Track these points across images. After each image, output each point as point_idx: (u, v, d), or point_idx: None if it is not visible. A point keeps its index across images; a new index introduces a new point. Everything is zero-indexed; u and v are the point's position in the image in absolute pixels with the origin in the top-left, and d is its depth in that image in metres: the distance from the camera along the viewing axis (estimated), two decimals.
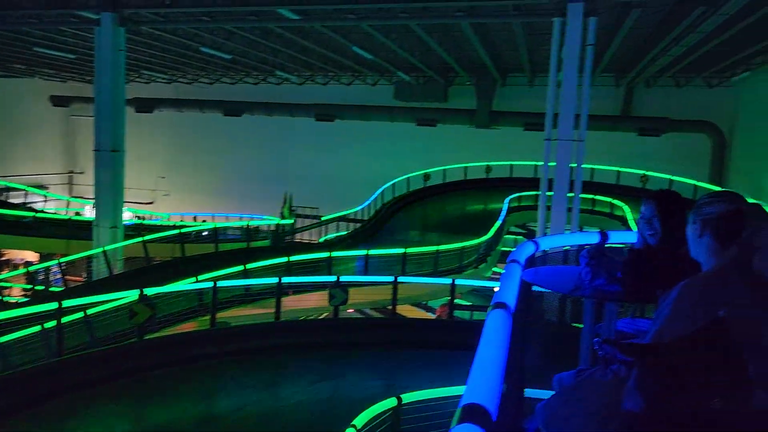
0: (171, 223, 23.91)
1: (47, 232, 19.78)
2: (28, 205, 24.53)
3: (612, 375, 1.84)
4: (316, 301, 13.01)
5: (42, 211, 23.70)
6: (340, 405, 8.73)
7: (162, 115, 33.60)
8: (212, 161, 34.71)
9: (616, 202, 21.72)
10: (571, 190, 13.46)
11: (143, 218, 26.66)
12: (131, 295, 9.68)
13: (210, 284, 10.73)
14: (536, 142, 16.47)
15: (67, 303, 9.08)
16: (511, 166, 25.17)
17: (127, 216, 23.97)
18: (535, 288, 3.45)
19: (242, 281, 12.47)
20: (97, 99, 15.90)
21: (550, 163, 13.48)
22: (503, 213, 20.70)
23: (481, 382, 1.45)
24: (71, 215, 23.94)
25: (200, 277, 12.19)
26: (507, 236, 22.86)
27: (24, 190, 25.92)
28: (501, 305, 2.04)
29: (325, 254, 14.85)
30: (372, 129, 30.70)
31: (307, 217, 24.88)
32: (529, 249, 3.44)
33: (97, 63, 15.78)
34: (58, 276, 15.78)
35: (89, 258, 15.83)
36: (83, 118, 33.96)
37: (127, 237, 16.56)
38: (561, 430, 1.94)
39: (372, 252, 15.74)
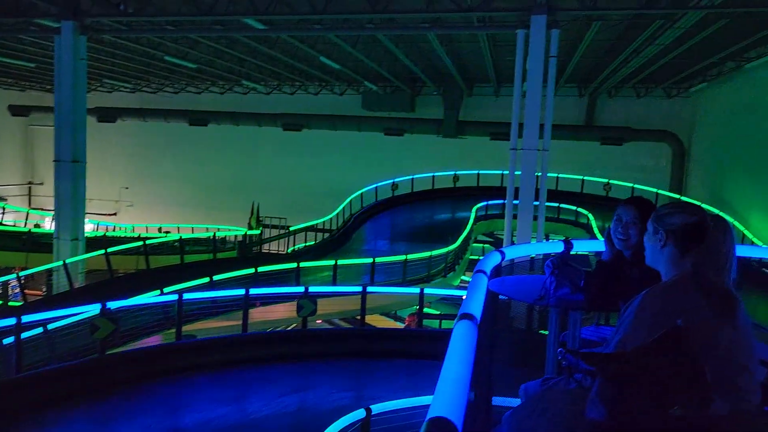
0: (135, 235, 23.46)
1: (5, 244, 19.25)
2: None
3: (576, 384, 1.87)
4: (285, 312, 12.89)
5: (0, 223, 23.00)
6: (308, 417, 8.64)
7: (126, 125, 33.03)
8: (178, 171, 34.22)
9: (580, 210, 22.12)
10: (536, 199, 13.65)
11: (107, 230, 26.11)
12: (93, 308, 9.45)
13: (175, 297, 10.54)
14: (502, 152, 16.67)
15: (26, 318, 8.82)
16: (478, 175, 25.44)
17: (89, 228, 23.46)
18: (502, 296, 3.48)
19: (209, 293, 12.29)
20: (58, 108, 15.55)
21: (516, 172, 13.66)
22: (471, 222, 20.87)
23: (447, 395, 1.45)
24: (30, 227, 23.29)
25: (165, 290, 11.97)
26: (475, 245, 23.06)
27: None
28: (467, 316, 2.05)
29: (293, 265, 14.75)
30: (340, 139, 30.70)
31: (275, 227, 24.70)
32: (495, 259, 3.47)
33: (58, 72, 15.44)
34: (17, 290, 15.32)
35: (49, 271, 15.41)
36: (43, 127, 33.18)
37: (89, 249, 16.18)
38: None
39: (340, 262, 15.70)
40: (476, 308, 2.33)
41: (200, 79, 29.06)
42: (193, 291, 12.10)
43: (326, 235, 22.83)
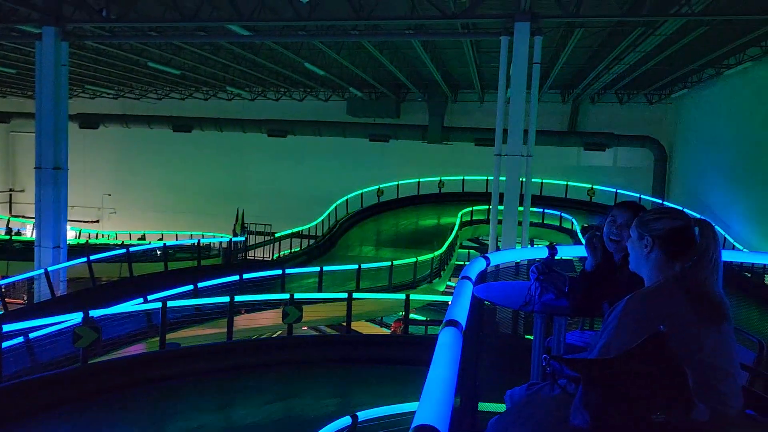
0: (118, 242, 23.23)
1: None
2: None
3: (560, 390, 1.87)
4: (270, 319, 12.82)
5: None
6: (294, 425, 8.59)
7: (108, 131, 32.74)
8: (161, 178, 33.96)
9: (564, 215, 22.27)
10: (521, 204, 13.73)
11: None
12: (75, 317, 9.33)
13: (159, 304, 10.44)
14: (487, 157, 16.77)
15: (7, 327, 8.69)
16: (464, 180, 25.54)
17: (71, 235, 23.20)
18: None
19: (193, 301, 12.18)
20: (39, 115, 15.37)
21: (501, 178, 13.72)
22: (456, 227, 20.93)
23: (432, 403, 1.45)
24: (11, 235, 22.97)
25: (149, 297, 11.85)
26: (460, 250, 23.12)
27: None
28: (452, 323, 2.06)
29: (278, 271, 14.67)
30: (325, 145, 30.67)
31: (260, 233, 24.58)
32: (480, 265, 3.48)
33: (39, 78, 15.27)
34: None
35: (30, 279, 15.19)
36: (24, 134, 32.81)
37: (71, 257, 15.99)
38: None
39: (326, 268, 15.66)
40: (461, 315, 2.34)
41: (184, 85, 28.92)
42: (178, 299, 11.99)
43: (312, 241, 22.76)
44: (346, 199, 24.82)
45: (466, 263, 3.60)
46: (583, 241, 3.00)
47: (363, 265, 16.04)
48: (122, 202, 34.57)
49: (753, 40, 16.48)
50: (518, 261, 6.23)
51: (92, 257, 14.92)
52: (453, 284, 20.62)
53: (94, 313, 9.43)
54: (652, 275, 1.96)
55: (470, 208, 22.80)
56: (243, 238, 21.72)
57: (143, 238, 27.64)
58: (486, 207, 19.73)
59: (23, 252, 17.52)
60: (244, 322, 12.69)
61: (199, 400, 9.17)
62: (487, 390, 3.54)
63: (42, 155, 15.31)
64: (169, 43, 19.32)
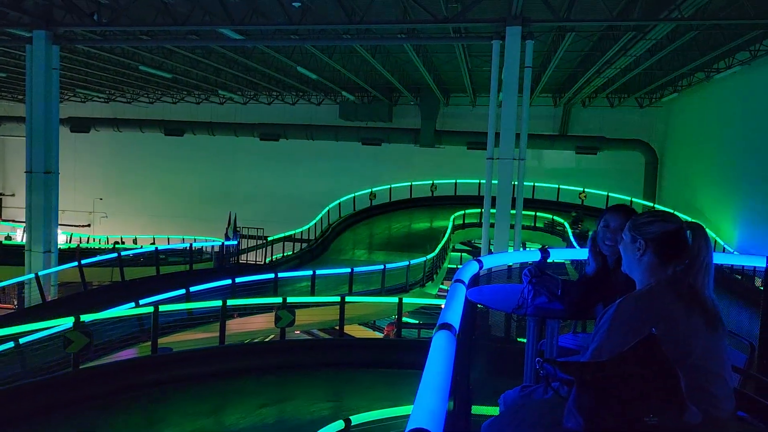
0: (109, 246, 23.10)
1: None
2: None
3: (552, 393, 1.88)
4: (263, 323, 12.77)
5: None
6: (287, 429, 8.56)
7: (100, 135, 32.61)
8: (153, 182, 33.82)
9: (556, 218, 22.35)
10: (513, 208, 13.76)
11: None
12: (66, 322, 9.27)
13: (151, 309, 10.39)
14: (479, 161, 16.81)
15: None
16: (456, 183, 25.59)
17: (62, 239, 23.05)
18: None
19: (185, 305, 12.13)
20: (29, 119, 15.29)
21: (493, 181, 13.76)
22: (448, 231, 20.96)
23: (426, 407, 1.46)
24: (1, 239, 22.81)
25: (141, 302, 11.79)
26: (453, 253, 23.15)
27: None
28: (446, 326, 2.06)
29: (270, 275, 14.64)
30: (317, 148, 30.67)
31: (252, 237, 24.50)
32: (473, 268, 3.49)
33: (29, 82, 15.20)
34: None
35: (20, 284, 15.08)
36: (14, 138, 32.59)
37: (62, 261, 15.89)
38: None
39: (319, 272, 15.63)
40: (455, 318, 2.34)
41: (176, 89, 28.83)
42: (169, 303, 11.93)
43: (304, 245, 22.73)
44: (339, 203, 24.81)
45: (459, 266, 3.60)
46: (574, 241, 3.01)
47: (356, 269, 16.03)
48: (114, 206, 34.40)
49: (742, 44, 16.64)
50: (511, 264, 6.25)
51: (83, 261, 14.84)
52: (445, 288, 20.66)
53: (86, 317, 9.38)
54: (644, 278, 1.97)
55: (462, 212, 22.84)
56: (235, 242, 21.65)
57: (135, 242, 27.50)
58: (478, 210, 19.78)
59: (14, 256, 17.36)
60: (236, 326, 12.64)
61: (191, 405, 9.12)
62: (481, 393, 3.54)
63: (33, 159, 15.23)
64: (160, 46, 19.27)
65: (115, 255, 16.21)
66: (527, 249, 17.64)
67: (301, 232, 23.63)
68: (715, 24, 14.27)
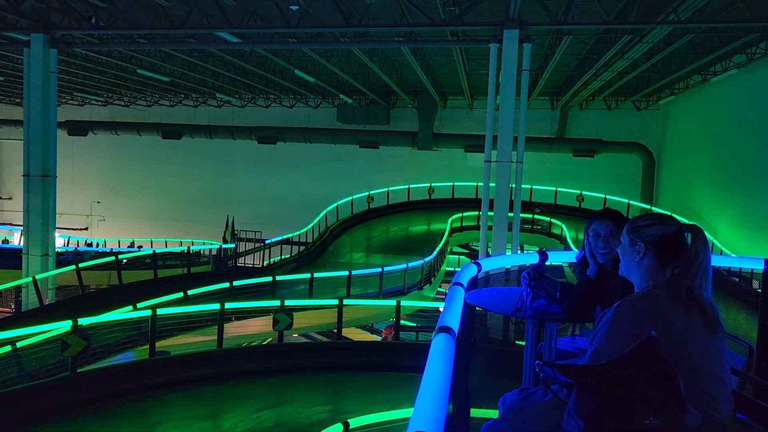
0: (107, 249, 23.08)
1: None
2: None
3: (552, 396, 1.88)
4: (260, 326, 12.75)
5: None
6: None
7: (97, 138, 32.57)
8: (151, 185, 33.79)
9: (554, 221, 22.37)
10: (511, 210, 13.77)
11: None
12: (64, 325, 9.25)
13: (149, 312, 10.37)
14: (477, 163, 16.83)
15: None
16: (453, 186, 25.60)
17: (60, 243, 22.99)
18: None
19: (183, 308, 12.11)
20: (27, 122, 15.27)
21: (491, 184, 13.77)
22: (446, 233, 20.96)
23: (426, 410, 1.46)
24: None
25: (138, 305, 11.77)
26: (451, 256, 23.14)
27: None
28: (445, 329, 2.06)
29: (268, 278, 14.62)
30: (315, 151, 30.67)
31: (250, 240, 24.48)
32: (471, 271, 3.49)
33: (27, 85, 15.19)
34: None
35: (18, 288, 15.05)
36: (12, 141, 32.56)
37: (59, 265, 15.86)
38: None
39: (316, 275, 15.61)
40: (454, 321, 2.34)
41: (173, 92, 28.84)
42: (167, 306, 11.92)
43: (302, 248, 22.71)
44: (337, 206, 24.80)
45: (457, 269, 3.61)
46: (574, 248, 3.01)
47: (353, 272, 16.02)
48: (111, 210, 34.35)
49: (739, 47, 16.70)
50: (509, 267, 6.25)
51: (81, 264, 14.81)
52: (443, 290, 20.65)
53: (83, 321, 9.36)
54: (642, 281, 1.97)
55: (460, 214, 22.84)
56: (233, 245, 21.64)
57: (132, 245, 27.46)
58: (476, 213, 19.79)
59: (11, 259, 17.30)
60: (234, 329, 12.62)
61: (189, 408, 9.10)
62: (480, 396, 3.54)
63: (30, 162, 15.22)
64: (158, 50, 19.27)
65: (112, 258, 16.19)
66: (525, 252, 17.66)
67: (299, 235, 23.61)
68: (712, 27, 14.33)
